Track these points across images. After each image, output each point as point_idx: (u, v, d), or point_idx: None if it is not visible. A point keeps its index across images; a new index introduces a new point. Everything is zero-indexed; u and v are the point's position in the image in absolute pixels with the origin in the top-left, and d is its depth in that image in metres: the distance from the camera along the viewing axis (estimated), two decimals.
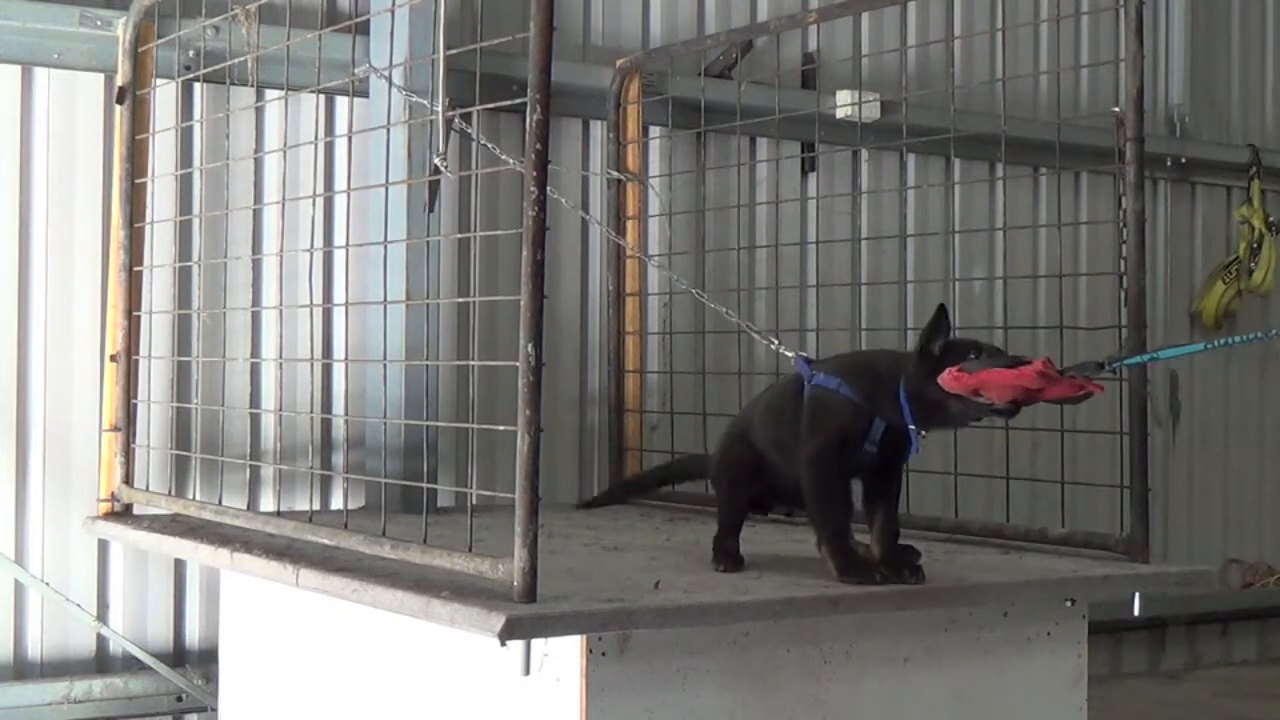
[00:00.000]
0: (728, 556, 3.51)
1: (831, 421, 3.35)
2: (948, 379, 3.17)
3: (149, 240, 4.50)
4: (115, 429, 4.39)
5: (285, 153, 4.10)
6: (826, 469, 3.35)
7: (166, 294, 4.62)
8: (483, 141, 4.36)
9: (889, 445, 3.35)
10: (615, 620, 2.99)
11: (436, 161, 4.09)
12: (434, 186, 4.62)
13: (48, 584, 4.59)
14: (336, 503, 4.92)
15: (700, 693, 3.17)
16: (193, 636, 4.79)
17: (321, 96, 4.34)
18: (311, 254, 4.38)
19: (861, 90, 5.54)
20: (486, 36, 3.30)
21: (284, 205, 4.04)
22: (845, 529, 3.34)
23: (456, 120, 4.22)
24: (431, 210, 4.66)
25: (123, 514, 4.39)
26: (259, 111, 4.52)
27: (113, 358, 4.42)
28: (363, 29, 4.54)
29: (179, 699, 4.70)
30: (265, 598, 4.06)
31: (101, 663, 4.70)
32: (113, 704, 4.61)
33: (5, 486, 4.56)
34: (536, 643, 3.05)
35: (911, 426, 3.31)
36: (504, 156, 4.21)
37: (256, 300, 4.49)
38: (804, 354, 3.54)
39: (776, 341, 3.74)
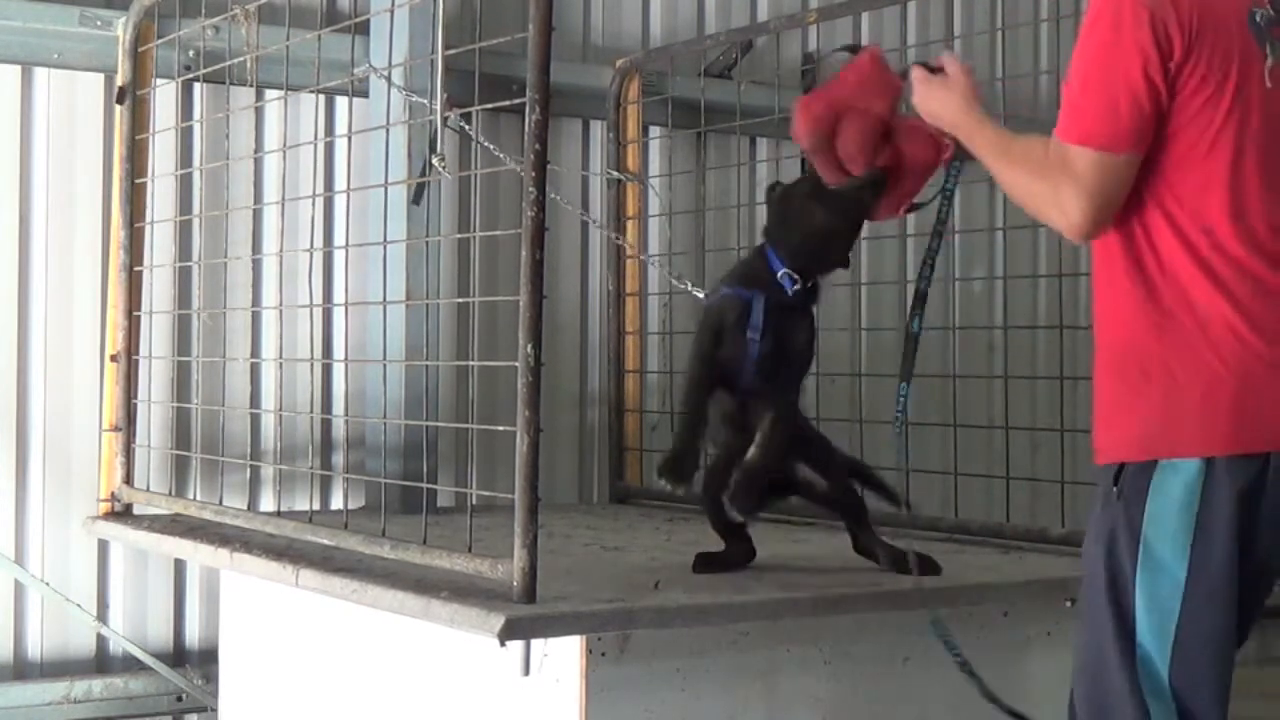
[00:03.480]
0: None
1: (708, 319, 3.30)
2: (798, 113, 3.11)
3: (149, 240, 4.50)
4: (115, 429, 4.39)
5: (285, 153, 4.09)
6: (699, 365, 3.28)
7: (166, 294, 4.62)
8: (482, 141, 4.36)
9: (777, 328, 3.24)
10: (615, 620, 2.99)
11: (435, 161, 4.09)
12: (425, 183, 4.61)
13: (48, 584, 4.59)
14: (336, 503, 4.92)
15: (700, 693, 3.17)
16: (193, 636, 4.79)
17: (321, 96, 4.34)
18: (311, 254, 4.37)
19: None
20: (486, 36, 3.30)
21: (284, 205, 4.04)
22: (696, 436, 3.25)
23: (454, 117, 4.22)
24: (417, 203, 4.64)
25: (123, 514, 4.39)
26: (259, 111, 4.52)
27: (113, 358, 4.43)
28: (362, 29, 4.54)
29: (179, 699, 4.70)
30: (265, 598, 4.06)
31: (101, 663, 4.69)
32: (113, 704, 4.61)
33: (5, 486, 4.56)
34: (536, 643, 3.05)
35: (783, 273, 3.23)
36: (500, 154, 4.20)
37: (256, 300, 4.49)
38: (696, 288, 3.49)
39: (678, 277, 3.68)
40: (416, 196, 4.62)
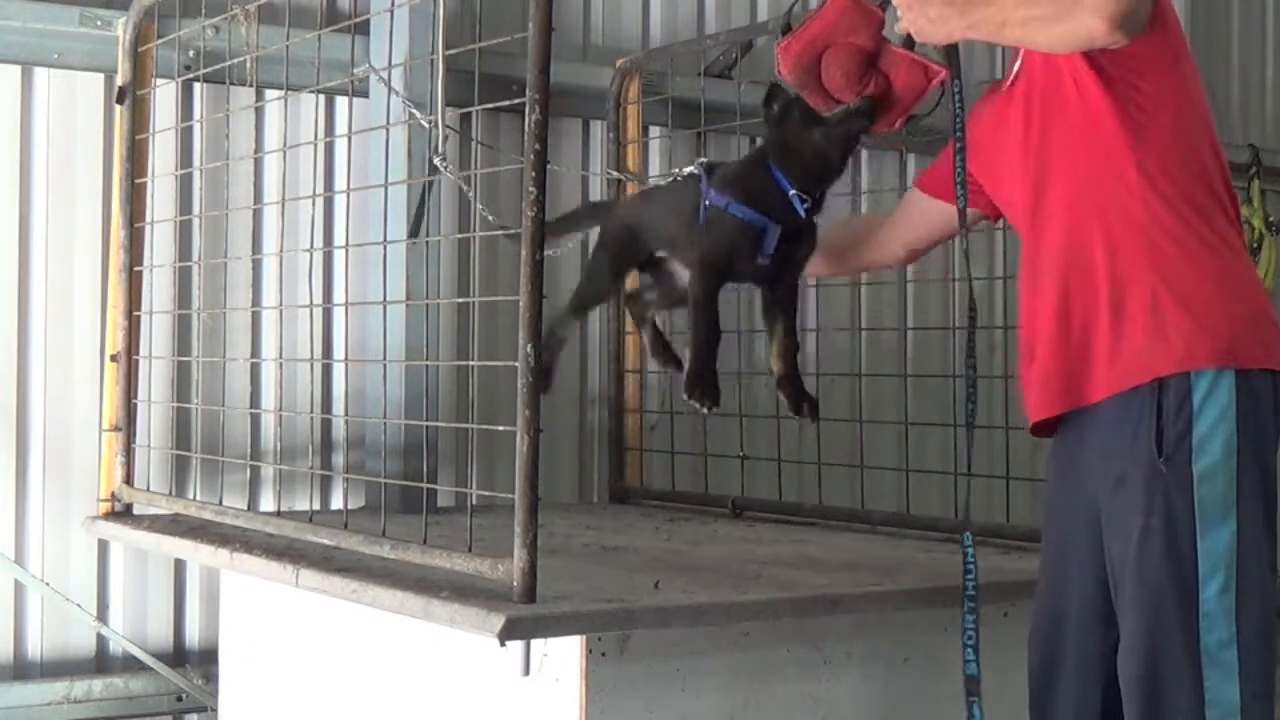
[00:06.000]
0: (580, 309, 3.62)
1: (723, 241, 3.34)
2: (779, 56, 3.13)
3: (149, 240, 4.50)
4: (115, 429, 4.39)
5: (285, 153, 4.09)
6: (711, 284, 3.34)
7: (166, 294, 4.62)
8: (481, 141, 4.36)
9: (782, 251, 3.34)
10: (615, 620, 2.99)
11: (436, 161, 4.09)
12: (419, 212, 4.59)
13: (48, 584, 4.59)
14: (336, 503, 4.92)
15: (700, 693, 3.17)
16: (193, 636, 4.79)
17: (321, 96, 4.33)
18: (311, 254, 4.37)
19: None
20: (486, 36, 3.30)
21: (284, 205, 4.04)
22: (714, 346, 3.31)
23: (455, 121, 4.21)
24: (423, 204, 4.64)
25: (123, 514, 4.39)
26: (259, 111, 4.52)
27: (113, 358, 4.42)
28: (362, 29, 4.53)
29: (179, 699, 4.70)
30: (265, 598, 4.06)
31: (101, 663, 4.69)
32: (113, 704, 4.61)
33: (5, 486, 4.56)
34: (536, 643, 3.05)
35: (792, 193, 3.29)
36: (496, 160, 4.19)
37: (256, 300, 4.49)
38: (704, 160, 3.50)
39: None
40: (414, 230, 4.61)
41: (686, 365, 3.32)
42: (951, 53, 3.10)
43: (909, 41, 3.20)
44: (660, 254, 3.60)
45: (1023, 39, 2.83)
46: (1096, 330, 2.84)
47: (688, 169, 3.51)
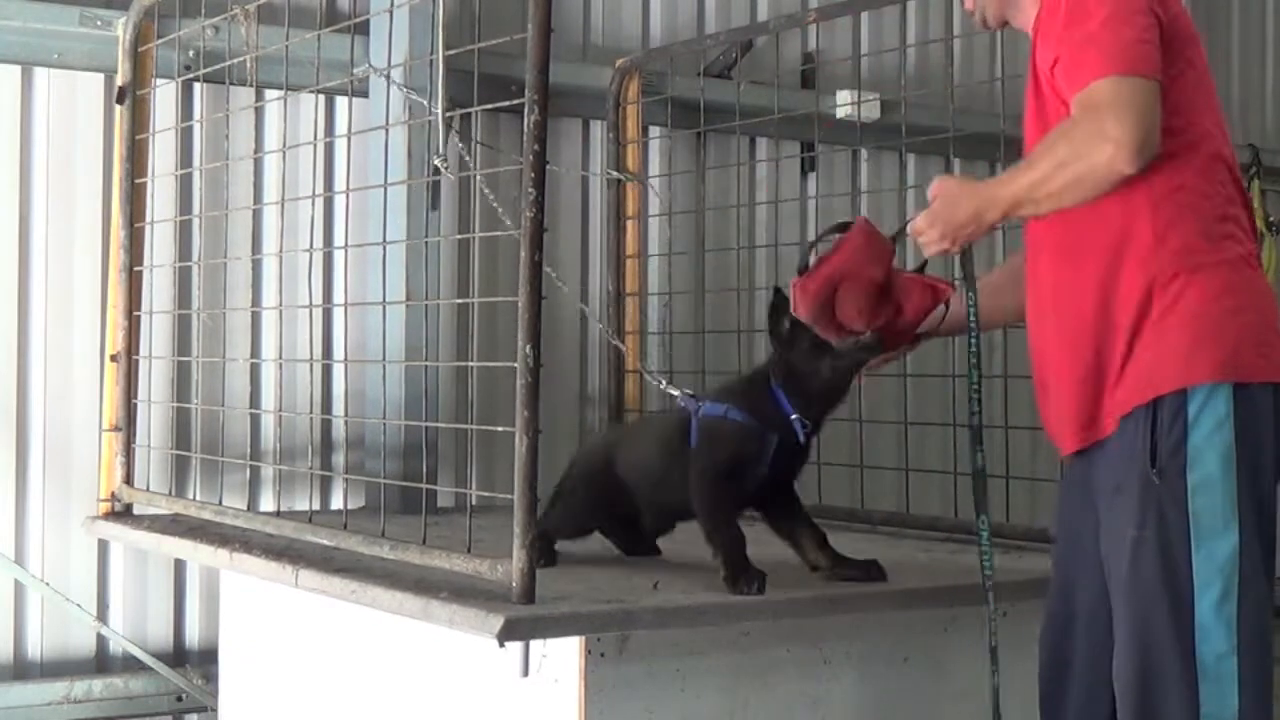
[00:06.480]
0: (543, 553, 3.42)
1: (723, 445, 3.31)
2: (796, 295, 3.12)
3: (149, 240, 4.50)
4: (115, 429, 4.39)
5: (285, 153, 4.10)
6: (718, 491, 3.30)
7: (166, 294, 4.62)
8: (480, 142, 4.36)
9: (779, 463, 3.31)
10: (614, 621, 2.99)
11: (436, 162, 4.09)
12: (435, 185, 4.62)
13: (48, 584, 4.59)
14: (336, 503, 4.92)
15: (700, 693, 3.17)
16: (193, 636, 4.79)
17: (321, 96, 4.33)
18: (311, 254, 4.37)
19: (861, 90, 5.54)
20: (485, 37, 3.30)
21: (284, 205, 4.04)
22: (742, 543, 3.26)
23: (456, 122, 4.21)
24: (435, 208, 4.66)
25: (123, 514, 4.39)
26: (259, 111, 4.52)
27: (113, 358, 4.42)
28: (362, 29, 4.54)
29: (179, 699, 4.70)
30: (265, 598, 4.06)
31: (101, 663, 4.70)
32: (113, 704, 4.61)
33: (5, 486, 4.56)
34: (535, 643, 3.05)
35: (794, 417, 3.27)
36: (496, 160, 4.19)
37: (256, 300, 4.49)
38: (689, 391, 3.49)
39: (665, 382, 3.69)
40: (434, 202, 4.62)
41: (722, 571, 3.22)
42: (966, 255, 3.10)
43: (920, 266, 3.22)
44: (633, 498, 3.54)
45: (1059, 206, 2.81)
46: (1108, 361, 2.82)
47: (674, 395, 3.51)
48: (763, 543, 3.74)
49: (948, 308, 3.20)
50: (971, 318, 3.13)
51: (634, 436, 3.76)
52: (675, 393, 3.52)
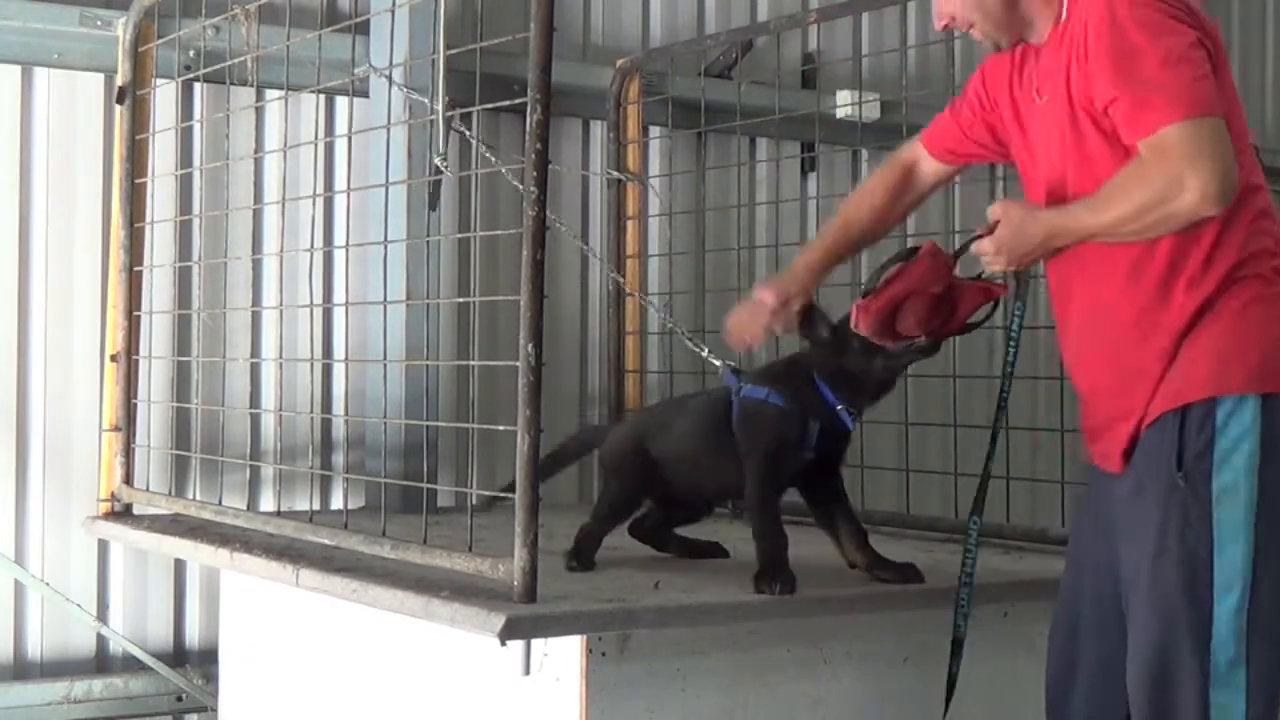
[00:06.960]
0: (584, 556, 3.50)
1: (767, 431, 3.33)
2: (859, 315, 3.14)
3: (149, 240, 4.50)
4: (115, 429, 4.39)
5: (285, 153, 4.10)
6: (769, 480, 3.34)
7: (166, 294, 4.62)
8: (480, 141, 4.35)
9: (823, 447, 3.34)
10: (615, 620, 2.99)
11: (437, 161, 4.09)
12: (436, 184, 4.62)
13: (48, 584, 4.59)
14: (336, 503, 4.92)
15: (700, 693, 3.17)
16: (193, 636, 4.79)
17: (321, 96, 4.34)
18: (311, 254, 4.38)
19: (861, 90, 5.53)
20: (487, 36, 3.30)
21: (284, 205, 4.04)
22: (785, 545, 3.29)
23: (456, 120, 4.22)
24: (434, 209, 4.66)
25: (123, 514, 4.39)
26: (259, 111, 4.52)
27: (113, 358, 4.42)
28: (363, 29, 4.54)
29: (179, 699, 4.70)
30: (265, 598, 4.06)
31: (101, 663, 4.70)
32: (113, 704, 4.61)
33: (5, 486, 4.56)
34: (536, 642, 3.05)
35: (840, 408, 3.30)
36: (494, 158, 4.19)
37: (256, 300, 4.49)
38: (730, 364, 3.51)
39: (705, 349, 3.71)
40: (433, 202, 4.62)
41: (758, 565, 3.26)
42: (1023, 274, 3.14)
43: (977, 275, 3.24)
44: (675, 478, 3.55)
45: (1139, 239, 2.82)
46: (1149, 378, 2.82)
47: (716, 366, 3.53)
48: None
49: (997, 305, 3.24)
50: (1014, 330, 3.17)
51: (670, 417, 3.72)
52: (717, 363, 3.53)
